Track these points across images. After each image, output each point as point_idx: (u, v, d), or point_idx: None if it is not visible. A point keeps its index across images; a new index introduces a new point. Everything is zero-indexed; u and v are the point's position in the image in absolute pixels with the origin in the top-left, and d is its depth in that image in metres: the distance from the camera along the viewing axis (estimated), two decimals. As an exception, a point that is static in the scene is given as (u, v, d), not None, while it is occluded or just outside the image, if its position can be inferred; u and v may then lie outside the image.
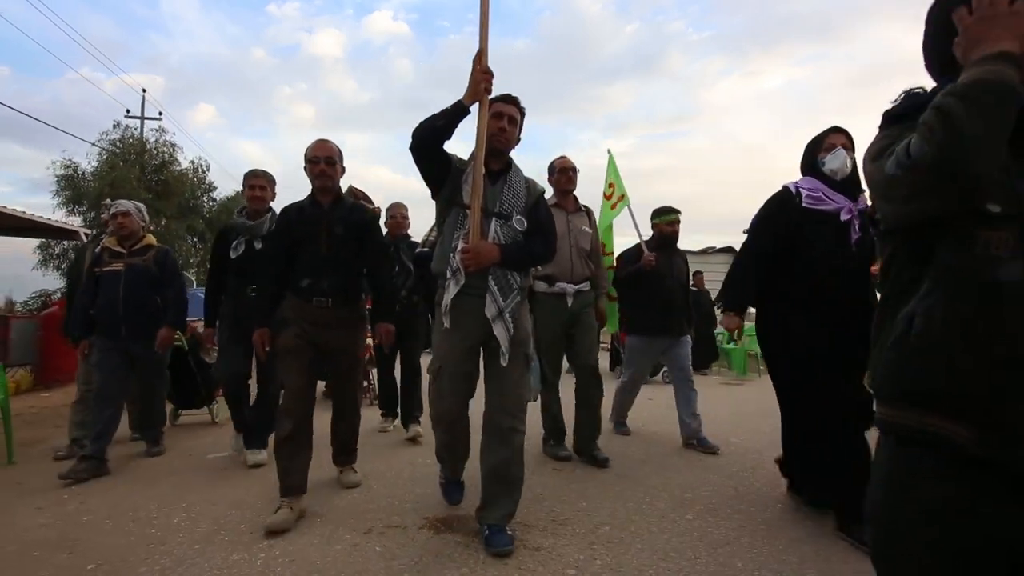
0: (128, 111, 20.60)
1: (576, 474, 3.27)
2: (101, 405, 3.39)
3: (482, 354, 2.37)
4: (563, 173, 3.61)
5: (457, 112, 2.15)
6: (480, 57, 2.18)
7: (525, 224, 2.31)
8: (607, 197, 4.44)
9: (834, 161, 2.45)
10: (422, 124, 2.17)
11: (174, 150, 17.82)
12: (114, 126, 17.61)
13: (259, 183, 3.50)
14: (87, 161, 16.60)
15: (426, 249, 3.33)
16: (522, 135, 2.47)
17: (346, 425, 3.05)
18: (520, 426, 2.31)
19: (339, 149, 2.84)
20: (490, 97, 2.27)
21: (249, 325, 2.93)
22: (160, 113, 20.98)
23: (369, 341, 3.93)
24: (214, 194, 20.17)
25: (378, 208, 4.30)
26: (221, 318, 3.57)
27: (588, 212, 3.78)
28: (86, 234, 12.72)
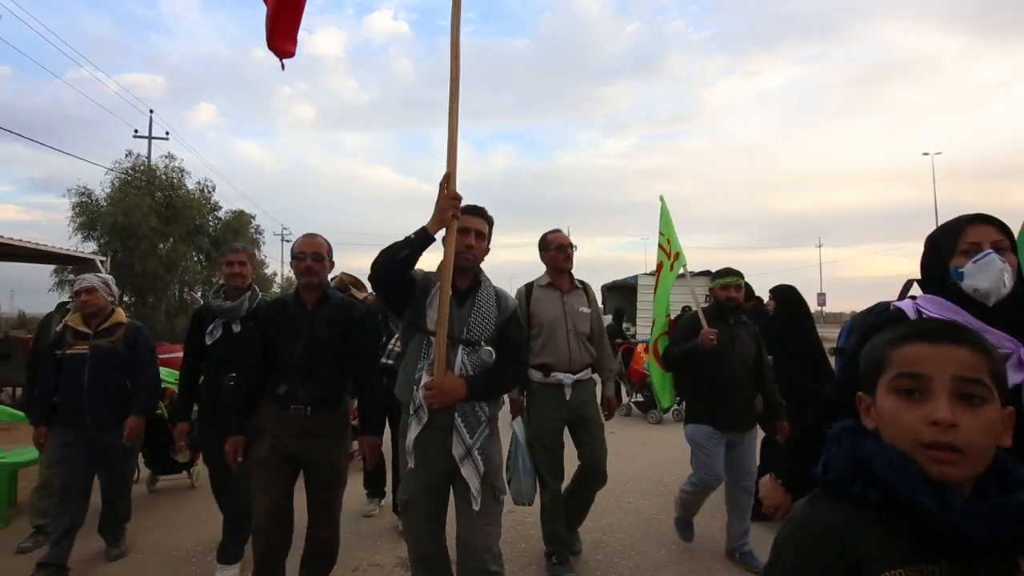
0: (136, 131, 21.61)
1: (524, 515, 3.81)
2: (64, 506, 3.06)
3: (452, 488, 2.19)
4: (560, 251, 3.26)
5: (422, 242, 2.03)
6: (448, 181, 2.05)
7: (494, 355, 2.15)
8: (669, 256, 3.86)
9: (982, 276, 1.46)
10: (384, 255, 2.05)
11: (182, 175, 18.90)
12: (126, 155, 18.64)
13: (238, 259, 3.19)
14: (100, 188, 17.64)
15: (390, 362, 3.06)
16: (491, 244, 2.34)
17: (321, 545, 2.60)
18: (494, 567, 2.10)
19: (328, 244, 2.72)
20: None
21: (228, 419, 2.78)
22: (167, 133, 22.03)
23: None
24: (219, 213, 21.16)
25: (369, 296, 4.17)
26: (199, 411, 3.25)
27: (586, 288, 3.38)
28: (101, 261, 13.54)
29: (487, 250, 2.33)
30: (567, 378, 3.08)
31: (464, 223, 2.16)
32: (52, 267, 16.57)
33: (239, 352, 2.92)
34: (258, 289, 3.29)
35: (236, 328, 3.09)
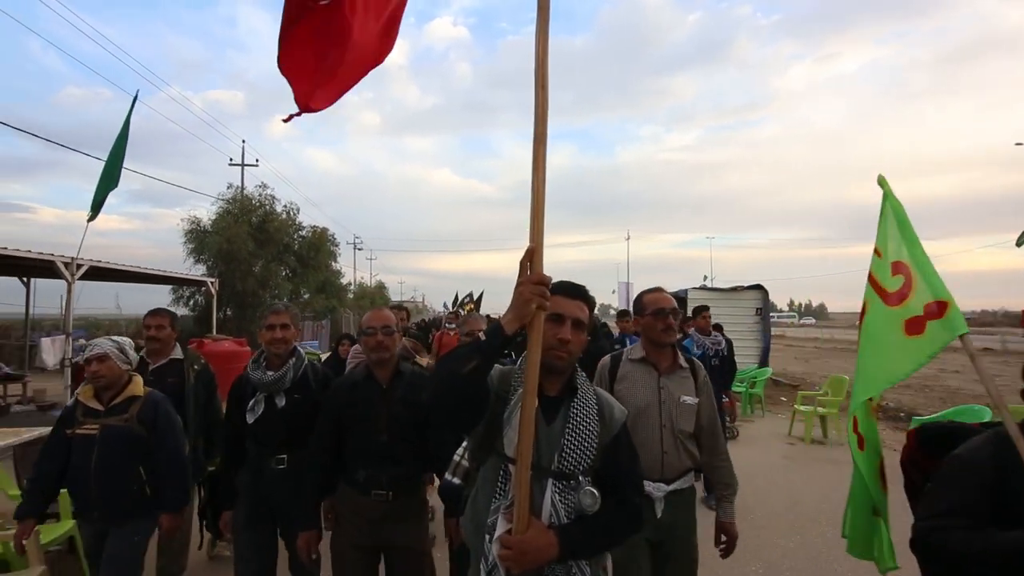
0: (231, 159, 24.28)
1: None
2: None
3: None
4: (659, 318, 2.33)
5: (496, 347, 1.40)
6: (531, 259, 1.44)
7: (598, 499, 1.47)
8: (893, 300, 1.83)
9: None
10: (445, 369, 1.44)
11: (273, 202, 20.99)
12: (228, 187, 20.99)
13: (280, 321, 2.65)
14: (207, 216, 19.74)
15: (455, 480, 2.09)
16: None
17: None
18: None
19: (395, 317, 2.53)
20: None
21: (276, 505, 2.52)
22: (257, 160, 24.67)
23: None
24: (302, 232, 23.51)
25: (432, 361, 3.87)
26: (238, 497, 2.68)
27: (694, 370, 2.41)
28: (212, 282, 15.61)
29: (585, 342, 1.65)
30: (657, 489, 2.25)
31: (557, 308, 1.53)
32: (170, 292, 19.28)
33: (286, 430, 2.55)
34: (303, 352, 2.78)
35: (280, 402, 2.61)
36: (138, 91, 6.08)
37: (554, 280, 1.52)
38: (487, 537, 1.48)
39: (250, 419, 2.59)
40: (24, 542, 2.57)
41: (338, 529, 2.36)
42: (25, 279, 13.27)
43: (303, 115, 1.91)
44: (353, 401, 2.35)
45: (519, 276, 1.44)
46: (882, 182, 1.98)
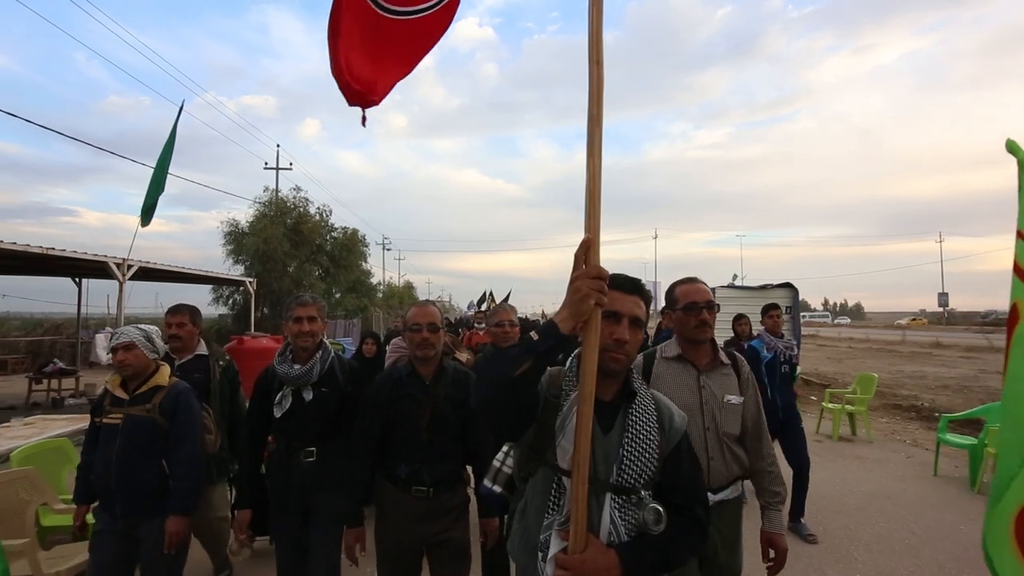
0: (266, 163, 25.06)
1: None
2: None
3: None
4: (690, 313, 2.10)
5: (550, 347, 1.27)
6: (587, 251, 1.30)
7: (663, 516, 1.34)
8: None
9: None
10: (492, 372, 1.31)
11: (307, 204, 21.60)
12: (264, 190, 21.63)
13: (307, 313, 2.55)
14: (244, 218, 20.42)
15: (496, 489, 1.79)
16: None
17: None
18: None
19: (441, 313, 2.43)
20: None
21: (305, 497, 2.46)
22: (291, 164, 25.38)
23: None
24: (335, 233, 24.17)
25: (471, 357, 3.89)
26: (270, 494, 2.60)
27: (737, 366, 2.21)
28: (250, 282, 16.16)
29: (642, 342, 1.53)
30: None
31: (613, 306, 1.40)
32: (211, 291, 20.08)
33: (315, 423, 2.53)
34: (329, 345, 2.68)
35: (308, 396, 2.56)
36: (183, 101, 6.35)
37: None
38: (540, 555, 1.35)
39: (277, 413, 2.54)
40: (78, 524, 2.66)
41: (381, 525, 2.31)
42: (78, 279, 13.96)
43: (362, 109, 1.93)
44: (396, 398, 2.30)
45: (574, 270, 1.30)
46: (1014, 148, 1.54)
